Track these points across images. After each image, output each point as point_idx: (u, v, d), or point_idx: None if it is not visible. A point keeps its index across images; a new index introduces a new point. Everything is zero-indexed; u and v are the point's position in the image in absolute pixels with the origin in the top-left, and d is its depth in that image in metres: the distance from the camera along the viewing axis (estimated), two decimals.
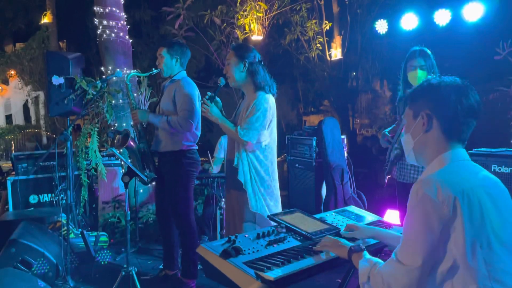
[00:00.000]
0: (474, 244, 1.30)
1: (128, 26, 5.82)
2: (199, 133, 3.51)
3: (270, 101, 2.74)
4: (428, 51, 3.21)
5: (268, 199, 2.73)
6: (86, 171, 4.77)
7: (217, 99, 2.86)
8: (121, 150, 3.73)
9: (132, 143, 3.49)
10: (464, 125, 1.45)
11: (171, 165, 3.45)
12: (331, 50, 8.70)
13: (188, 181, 3.45)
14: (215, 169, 4.97)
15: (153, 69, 3.55)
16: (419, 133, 1.48)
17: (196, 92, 3.42)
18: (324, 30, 8.06)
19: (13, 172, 5.11)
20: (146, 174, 3.44)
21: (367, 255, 1.58)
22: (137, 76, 4.97)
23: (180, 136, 3.41)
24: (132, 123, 3.59)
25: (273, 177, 2.80)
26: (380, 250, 2.01)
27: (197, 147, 3.57)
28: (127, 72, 5.41)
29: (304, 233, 1.89)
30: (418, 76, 3.18)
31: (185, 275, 3.47)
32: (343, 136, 5.28)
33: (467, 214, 1.29)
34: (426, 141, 1.48)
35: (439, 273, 1.34)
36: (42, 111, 12.85)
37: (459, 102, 1.42)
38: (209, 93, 2.80)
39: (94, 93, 4.13)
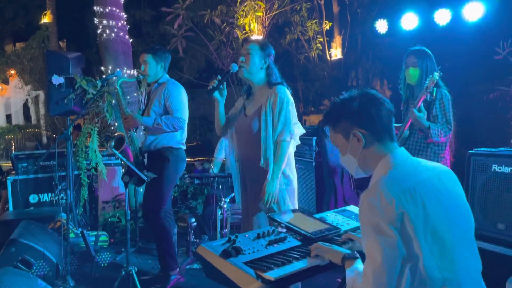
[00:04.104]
0: (423, 239, 1.33)
1: (128, 26, 5.82)
2: (186, 133, 3.62)
3: (289, 94, 2.75)
4: (427, 50, 3.19)
5: (288, 197, 2.73)
6: (86, 171, 4.77)
7: (224, 85, 2.78)
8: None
9: (129, 150, 3.52)
10: (390, 123, 1.55)
11: (157, 163, 3.53)
12: (331, 49, 8.69)
13: (168, 179, 3.52)
14: (215, 169, 4.97)
15: (139, 75, 3.68)
16: (358, 150, 1.55)
17: (183, 92, 3.57)
18: (324, 30, 8.06)
19: (13, 172, 5.11)
20: (146, 173, 3.44)
21: (359, 263, 1.57)
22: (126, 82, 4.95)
23: (168, 136, 3.51)
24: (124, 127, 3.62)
25: (294, 174, 2.80)
26: None
27: (184, 147, 3.65)
28: (126, 72, 5.41)
29: (304, 233, 1.88)
30: (410, 74, 3.17)
31: (164, 268, 3.55)
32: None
33: (413, 212, 1.33)
34: (366, 154, 1.55)
35: (407, 273, 1.35)
36: (42, 111, 12.85)
37: (378, 109, 1.53)
38: (219, 76, 2.74)
39: (94, 92, 4.13)
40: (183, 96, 3.55)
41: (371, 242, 1.36)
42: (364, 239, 1.41)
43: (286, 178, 2.73)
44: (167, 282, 3.51)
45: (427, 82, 3.00)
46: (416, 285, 1.33)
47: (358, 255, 1.62)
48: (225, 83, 2.76)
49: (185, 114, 3.50)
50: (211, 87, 2.71)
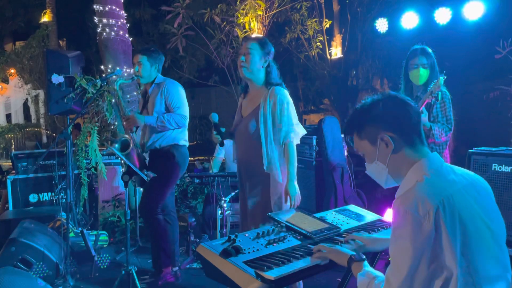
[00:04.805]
0: (460, 253, 1.29)
1: (128, 25, 5.82)
2: (186, 130, 3.66)
3: (288, 94, 2.75)
4: (429, 50, 3.20)
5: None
6: (86, 170, 4.77)
7: (222, 129, 2.83)
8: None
9: (133, 153, 3.54)
10: (419, 125, 1.47)
11: (162, 160, 3.55)
12: (331, 48, 8.68)
13: (173, 176, 3.54)
14: (214, 169, 4.97)
15: (134, 76, 3.66)
16: (387, 155, 1.46)
17: (182, 90, 3.63)
18: (324, 29, 8.05)
19: (13, 171, 5.11)
20: (145, 173, 3.44)
21: (367, 266, 1.56)
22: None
23: (173, 133, 3.54)
24: (125, 128, 3.62)
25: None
26: (376, 253, 2.01)
27: (187, 144, 3.68)
28: (126, 71, 5.41)
29: (304, 232, 1.88)
30: (420, 74, 3.17)
31: (158, 265, 3.55)
32: (343, 135, 5.27)
33: (450, 224, 1.29)
34: (396, 159, 1.46)
35: (436, 285, 1.32)
36: (42, 110, 12.84)
37: (405, 110, 1.45)
38: (215, 132, 2.80)
39: (94, 91, 4.13)
40: (182, 94, 3.59)
41: (401, 250, 1.32)
42: (393, 245, 1.36)
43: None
44: (158, 278, 3.53)
45: (431, 85, 2.98)
46: None
47: (364, 256, 1.61)
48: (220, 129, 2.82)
49: (186, 111, 3.55)
50: (218, 142, 2.83)
